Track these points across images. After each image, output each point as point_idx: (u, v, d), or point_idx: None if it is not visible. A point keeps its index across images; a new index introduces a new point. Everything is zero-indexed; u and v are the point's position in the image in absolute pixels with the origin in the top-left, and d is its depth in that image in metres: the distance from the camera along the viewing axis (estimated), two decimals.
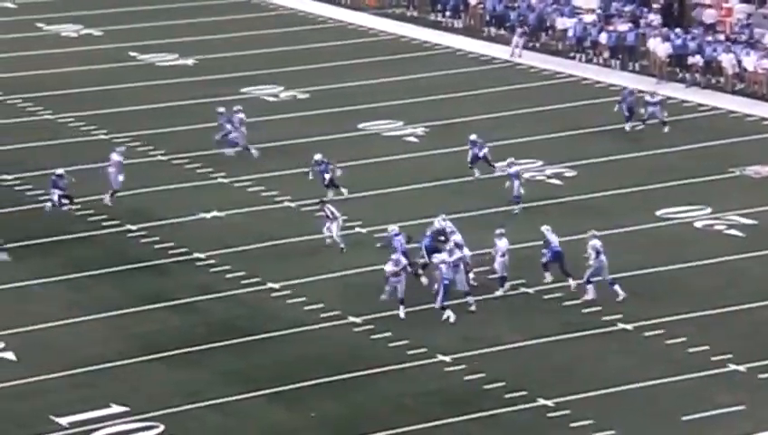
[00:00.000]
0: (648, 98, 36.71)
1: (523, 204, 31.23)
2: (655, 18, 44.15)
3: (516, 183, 31.15)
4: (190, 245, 29.11)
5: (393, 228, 27.40)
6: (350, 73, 42.00)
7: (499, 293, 26.85)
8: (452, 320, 25.67)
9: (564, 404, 23.03)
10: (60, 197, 30.21)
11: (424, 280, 26.84)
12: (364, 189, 32.68)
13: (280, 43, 45.05)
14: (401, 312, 25.80)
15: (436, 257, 26.29)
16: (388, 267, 25.83)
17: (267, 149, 35.41)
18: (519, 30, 43.89)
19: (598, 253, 26.54)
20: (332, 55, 43.86)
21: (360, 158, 34.87)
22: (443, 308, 25.77)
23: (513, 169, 31.27)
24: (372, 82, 41.28)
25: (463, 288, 26.07)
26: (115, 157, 31.34)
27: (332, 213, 29.16)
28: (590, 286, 26.58)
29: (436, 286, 26.12)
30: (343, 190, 31.39)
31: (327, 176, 31.22)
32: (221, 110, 34.33)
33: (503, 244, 27.01)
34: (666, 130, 36.33)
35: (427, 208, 31.10)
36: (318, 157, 31.54)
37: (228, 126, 34.17)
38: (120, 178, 31.03)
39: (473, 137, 33.18)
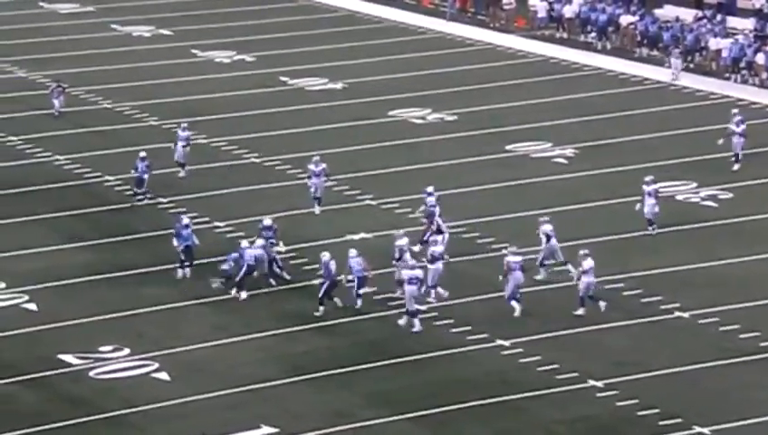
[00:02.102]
0: (733, 127, 34.57)
1: (671, 227, 30.54)
2: None
3: (652, 202, 30.26)
4: (337, 267, 29.17)
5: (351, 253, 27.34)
6: (498, 95, 41.76)
7: (580, 312, 26.42)
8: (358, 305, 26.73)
9: (721, 432, 22.33)
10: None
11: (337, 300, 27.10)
12: (512, 211, 32.36)
13: (428, 65, 45.09)
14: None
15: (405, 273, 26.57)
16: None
17: (415, 171, 35.41)
18: (676, 51, 42.93)
19: (548, 237, 27.44)
20: (480, 77, 43.69)
21: (509, 179, 34.57)
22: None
23: (651, 188, 30.46)
24: (520, 103, 40.96)
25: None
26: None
27: (439, 227, 29.02)
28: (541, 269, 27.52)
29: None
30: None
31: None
32: (143, 154, 33.14)
33: (587, 263, 26.48)
34: (735, 168, 34.28)
35: (574, 231, 30.63)
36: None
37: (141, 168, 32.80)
38: None
39: (429, 189, 30.24)
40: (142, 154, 33.33)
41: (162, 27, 50.52)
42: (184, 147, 34.77)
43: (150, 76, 44.29)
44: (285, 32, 49.76)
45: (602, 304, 26.52)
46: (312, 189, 32.38)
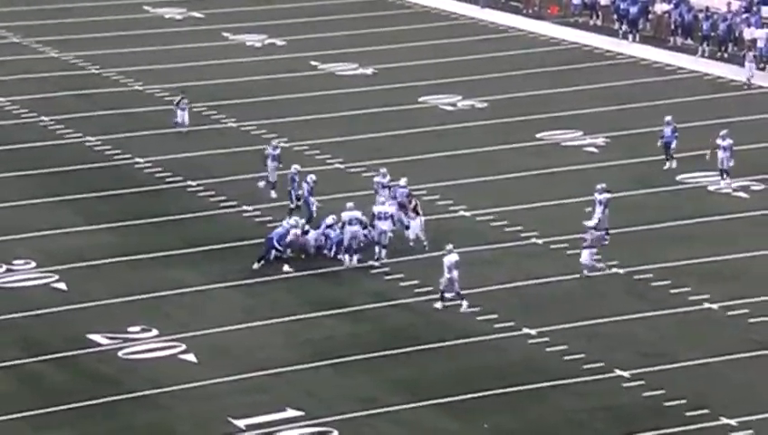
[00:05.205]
0: (718, 141, 33.20)
1: (702, 218, 30.31)
2: None
3: (600, 209, 29.37)
4: (364, 252, 29.17)
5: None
6: (530, 83, 41.60)
7: (438, 305, 26.35)
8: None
9: (748, 424, 22.23)
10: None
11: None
12: (542, 200, 32.25)
13: (459, 52, 44.95)
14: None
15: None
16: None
17: (445, 158, 35.32)
18: (750, 54, 42.14)
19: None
20: (512, 64, 43.53)
21: (539, 168, 34.44)
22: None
23: (603, 196, 29.54)
24: (552, 91, 40.78)
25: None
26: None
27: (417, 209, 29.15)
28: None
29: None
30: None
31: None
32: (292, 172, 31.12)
33: (451, 258, 26.33)
34: (723, 182, 32.84)
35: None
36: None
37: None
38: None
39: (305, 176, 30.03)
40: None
41: (194, 10, 50.56)
42: (276, 166, 32.08)
43: (181, 59, 44.36)
44: (317, 16, 49.72)
45: (464, 303, 26.32)
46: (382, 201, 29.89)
